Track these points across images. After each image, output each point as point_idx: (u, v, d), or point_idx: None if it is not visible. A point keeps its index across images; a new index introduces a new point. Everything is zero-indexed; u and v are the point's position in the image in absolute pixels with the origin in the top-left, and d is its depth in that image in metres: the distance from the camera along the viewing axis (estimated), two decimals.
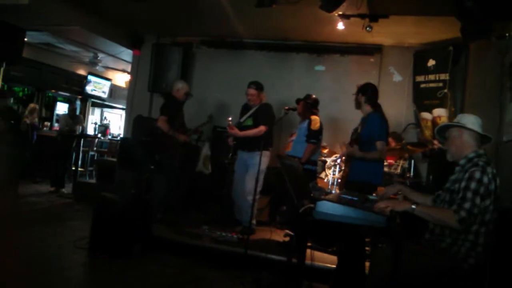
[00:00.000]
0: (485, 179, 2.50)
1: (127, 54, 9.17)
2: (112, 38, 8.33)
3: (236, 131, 5.59)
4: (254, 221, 5.50)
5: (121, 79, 12.51)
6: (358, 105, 4.41)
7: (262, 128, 5.43)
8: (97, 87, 11.91)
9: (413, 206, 2.52)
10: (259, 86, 5.65)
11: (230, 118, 5.64)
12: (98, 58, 10.48)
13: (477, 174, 2.51)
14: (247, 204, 5.28)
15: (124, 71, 11.70)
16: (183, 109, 6.07)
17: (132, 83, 8.84)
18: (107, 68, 11.78)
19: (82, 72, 11.76)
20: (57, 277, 3.78)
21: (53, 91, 11.70)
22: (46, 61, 10.65)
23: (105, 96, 12.30)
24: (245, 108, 5.82)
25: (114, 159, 7.79)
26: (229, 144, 5.81)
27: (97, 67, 11.19)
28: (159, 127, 5.63)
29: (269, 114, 5.59)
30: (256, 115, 5.62)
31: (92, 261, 4.33)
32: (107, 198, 4.66)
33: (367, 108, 4.31)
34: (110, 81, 12.28)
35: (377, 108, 4.31)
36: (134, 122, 7.80)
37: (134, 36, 8.38)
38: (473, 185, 2.49)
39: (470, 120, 2.78)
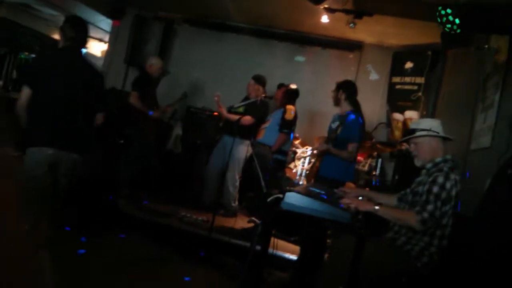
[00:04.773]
0: (448, 185, 2.58)
1: (105, 23, 8.94)
2: (92, 5, 8.10)
3: (222, 110, 5.63)
4: (235, 204, 5.68)
5: (97, 48, 12.20)
6: (337, 102, 4.41)
7: (247, 118, 5.45)
8: None
9: (376, 207, 2.59)
10: (257, 79, 5.75)
11: (218, 94, 5.64)
12: None
13: (440, 179, 2.58)
14: (228, 191, 5.52)
15: (101, 40, 11.41)
16: (157, 86, 5.98)
17: (108, 54, 8.65)
18: None
19: (57, 37, 11.42)
20: None
21: (26, 53, 11.35)
22: (22, 22, 10.30)
23: None
24: (245, 98, 5.84)
25: None
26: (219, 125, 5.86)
27: None
28: (131, 103, 5.55)
29: (261, 110, 5.65)
30: (249, 106, 5.63)
31: (53, 235, 4.24)
32: None
33: (346, 106, 4.32)
34: (86, 49, 11.97)
35: (356, 106, 4.33)
36: (107, 94, 7.63)
37: (115, 6, 8.15)
38: (435, 189, 2.56)
39: (435, 125, 2.85)
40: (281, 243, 4.69)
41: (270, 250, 3.96)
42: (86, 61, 3.50)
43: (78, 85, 3.27)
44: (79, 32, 3.38)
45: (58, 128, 3.18)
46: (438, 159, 2.79)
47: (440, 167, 2.70)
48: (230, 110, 5.61)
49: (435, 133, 2.82)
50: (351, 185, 4.40)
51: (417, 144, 2.90)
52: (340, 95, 4.34)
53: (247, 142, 5.45)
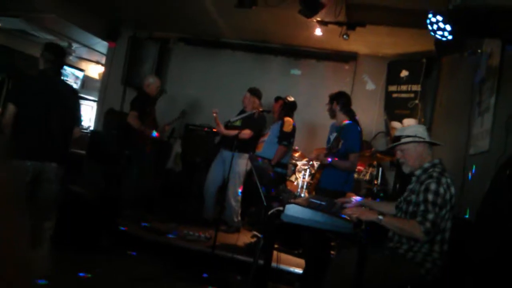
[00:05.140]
0: (441, 190, 2.57)
1: (102, 45, 9.01)
2: (87, 29, 8.16)
3: (221, 128, 5.64)
4: (238, 219, 5.68)
5: (95, 70, 12.27)
6: (332, 114, 4.43)
7: (246, 131, 5.47)
8: (69, 77, 11.67)
9: (380, 217, 2.57)
10: (252, 91, 5.79)
11: (215, 110, 5.65)
12: (72, 48, 10.27)
13: (433, 186, 2.58)
14: (230, 205, 5.52)
15: (98, 62, 11.49)
16: (155, 105, 6.01)
17: (105, 75, 8.71)
18: (81, 58, 11.56)
19: None
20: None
21: None
22: (18, 48, 10.36)
23: (77, 87, 12.06)
24: (241, 112, 5.87)
25: (83, 152, 7.64)
26: (215, 142, 5.87)
27: (71, 57, 10.97)
28: (130, 123, 5.57)
29: (258, 122, 5.66)
30: (247, 119, 5.66)
31: (58, 255, 4.23)
32: (74, 191, 4.57)
33: (342, 117, 4.34)
34: (83, 72, 12.05)
35: (351, 116, 4.35)
36: (105, 115, 7.68)
37: (110, 28, 8.23)
38: (430, 197, 2.55)
39: (420, 131, 2.86)
40: (286, 256, 4.68)
41: (275, 264, 3.96)
42: (63, 81, 4.14)
43: (56, 103, 3.66)
44: (57, 56, 3.79)
45: (39, 142, 3.51)
46: (427, 164, 2.78)
47: (430, 173, 2.69)
48: (227, 125, 5.63)
49: (420, 139, 2.82)
50: (352, 195, 4.39)
51: (403, 151, 2.89)
52: (334, 106, 4.36)
53: (246, 155, 5.45)
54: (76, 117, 3.90)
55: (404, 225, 2.63)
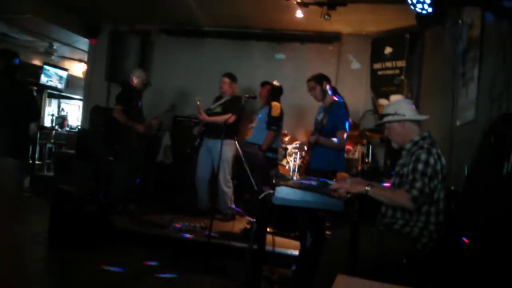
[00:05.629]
0: (431, 160, 2.58)
1: (83, 43, 8.93)
2: (67, 27, 8.08)
3: (204, 116, 5.62)
4: (230, 210, 5.67)
5: (78, 69, 12.14)
6: (323, 96, 4.35)
7: (230, 116, 5.44)
8: (53, 77, 11.54)
9: (367, 188, 2.55)
10: (232, 77, 5.76)
11: (199, 99, 5.64)
12: (54, 47, 10.15)
13: (423, 156, 2.59)
14: (223, 192, 5.51)
15: (81, 60, 11.36)
16: (141, 99, 5.97)
17: (88, 73, 8.65)
18: (63, 58, 11.42)
19: (37, 62, 11.30)
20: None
21: None
22: None
23: (61, 86, 11.92)
24: (218, 98, 5.85)
25: (72, 151, 7.61)
26: (194, 132, 5.81)
27: (53, 57, 10.85)
28: (115, 117, 5.53)
29: (238, 105, 5.62)
30: (226, 104, 5.65)
31: (53, 255, 4.23)
32: (65, 191, 4.55)
33: (329, 96, 4.33)
34: (67, 71, 11.91)
35: (338, 93, 4.36)
36: (91, 112, 7.62)
37: (90, 24, 8.14)
38: (420, 166, 2.56)
39: (407, 108, 2.85)
40: (282, 240, 4.70)
41: (271, 248, 3.98)
42: (18, 82, 4.54)
43: (12, 103, 4.18)
44: (8, 61, 4.28)
45: None
46: (416, 138, 2.78)
47: (420, 145, 2.70)
48: (208, 113, 5.62)
49: (400, 117, 2.82)
50: (343, 174, 4.40)
51: (389, 129, 2.91)
52: (325, 86, 4.33)
53: (232, 141, 5.43)
54: (32, 114, 4.50)
55: (392, 194, 2.63)
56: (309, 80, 4.43)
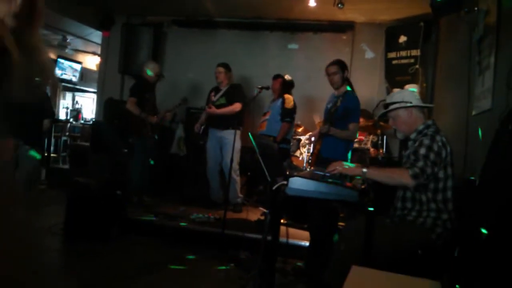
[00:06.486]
0: (435, 147, 2.55)
1: (96, 36, 8.96)
2: (80, 19, 8.11)
3: (213, 109, 5.62)
4: (239, 199, 5.72)
5: (92, 62, 12.23)
6: (341, 83, 4.20)
7: (237, 105, 5.47)
8: (67, 70, 11.65)
9: (364, 170, 2.55)
10: (227, 66, 5.77)
11: (213, 92, 5.75)
12: (67, 40, 10.23)
13: (426, 141, 2.57)
14: (234, 180, 5.51)
15: (94, 53, 11.45)
16: (154, 91, 5.99)
17: (102, 65, 8.67)
18: (77, 50, 11.51)
19: (51, 55, 11.46)
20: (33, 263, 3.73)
21: None
22: None
23: (76, 79, 12.03)
24: (216, 89, 5.84)
25: (87, 144, 7.68)
26: (196, 130, 5.85)
27: (67, 50, 10.93)
28: (129, 109, 5.56)
29: (241, 93, 5.64)
30: (228, 93, 5.66)
31: (69, 246, 4.29)
32: (80, 183, 4.60)
33: (344, 86, 4.26)
34: (81, 64, 12.01)
35: (351, 85, 4.29)
36: (105, 105, 7.66)
37: (103, 17, 8.15)
38: (422, 150, 2.54)
39: (412, 96, 2.82)
40: (295, 231, 4.70)
41: (285, 240, 3.98)
42: None
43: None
44: None
45: None
46: (421, 127, 2.76)
47: (424, 133, 2.68)
48: (214, 105, 5.64)
49: (407, 104, 2.78)
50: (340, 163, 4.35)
51: (394, 118, 2.87)
52: (346, 74, 4.24)
53: (238, 131, 5.41)
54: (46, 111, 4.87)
55: (391, 173, 2.62)
56: (332, 64, 4.23)
